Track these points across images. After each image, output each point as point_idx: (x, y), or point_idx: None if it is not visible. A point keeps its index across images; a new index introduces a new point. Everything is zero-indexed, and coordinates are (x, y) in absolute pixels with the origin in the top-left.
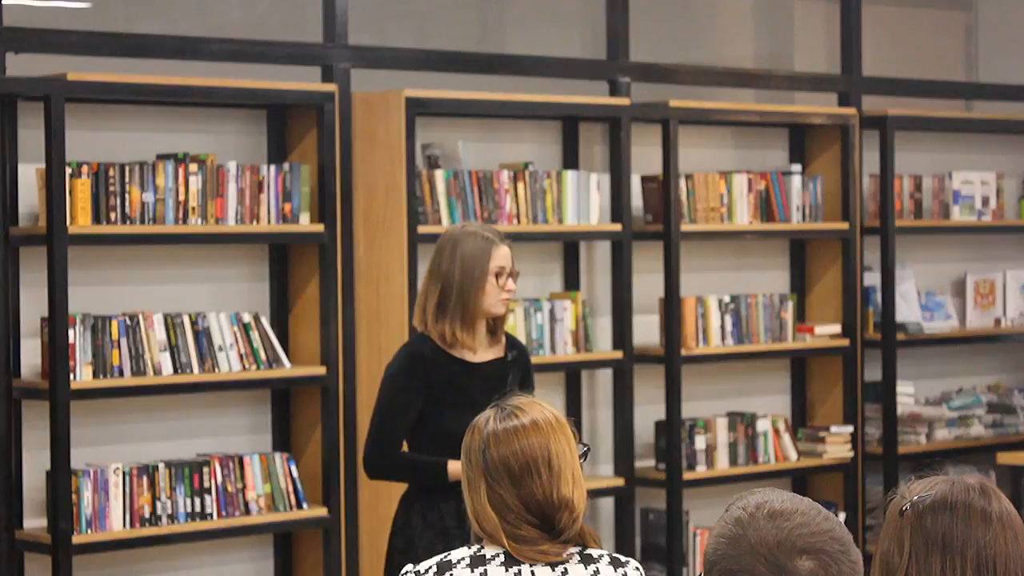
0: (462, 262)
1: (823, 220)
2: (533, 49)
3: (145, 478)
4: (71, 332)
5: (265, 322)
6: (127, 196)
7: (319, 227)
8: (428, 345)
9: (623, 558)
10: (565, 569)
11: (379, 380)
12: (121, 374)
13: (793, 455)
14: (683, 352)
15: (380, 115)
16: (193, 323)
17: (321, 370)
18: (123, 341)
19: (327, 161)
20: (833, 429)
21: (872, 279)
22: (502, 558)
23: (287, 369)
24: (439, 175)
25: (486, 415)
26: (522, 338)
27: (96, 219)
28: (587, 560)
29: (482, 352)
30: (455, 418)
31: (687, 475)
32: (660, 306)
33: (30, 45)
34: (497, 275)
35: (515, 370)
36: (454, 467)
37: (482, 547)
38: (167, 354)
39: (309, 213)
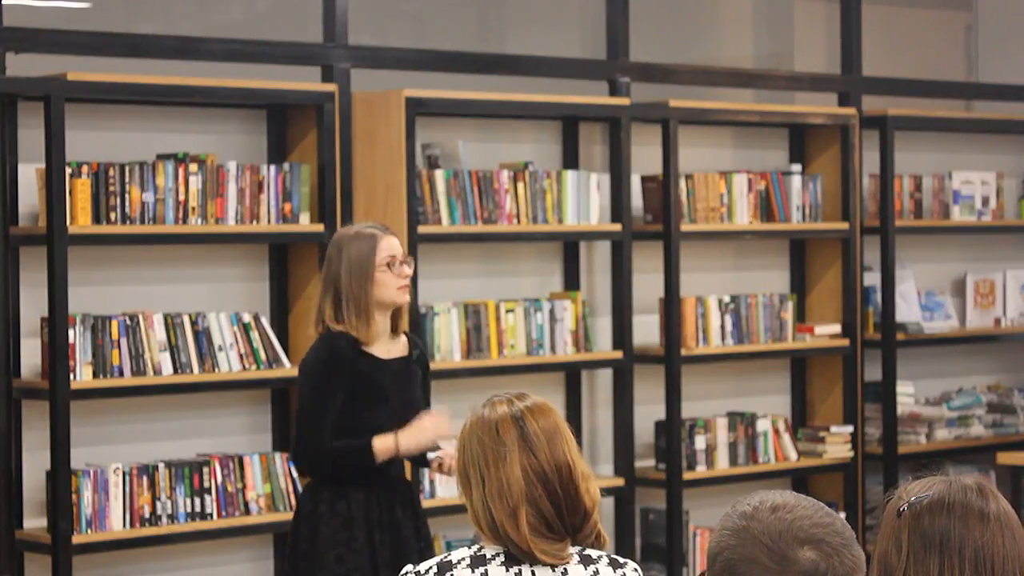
0: (349, 262)
1: (823, 220)
2: (533, 49)
3: (145, 478)
4: (71, 332)
5: (265, 322)
6: (127, 196)
7: (319, 227)
8: (342, 340)
9: (622, 559)
10: (565, 570)
11: None
12: (121, 374)
13: (793, 455)
14: (683, 352)
15: (380, 115)
16: (193, 323)
17: None
18: (123, 341)
19: (327, 161)
20: (833, 429)
21: (872, 279)
22: (502, 558)
23: (287, 369)
24: (439, 175)
25: (490, 404)
26: (522, 338)
27: (96, 219)
28: (587, 561)
29: (389, 349)
30: (371, 413)
31: (687, 475)
32: (660, 306)
33: (30, 45)
34: (389, 264)
35: (418, 368)
36: (380, 443)
37: (482, 547)
38: (167, 354)
39: (309, 213)
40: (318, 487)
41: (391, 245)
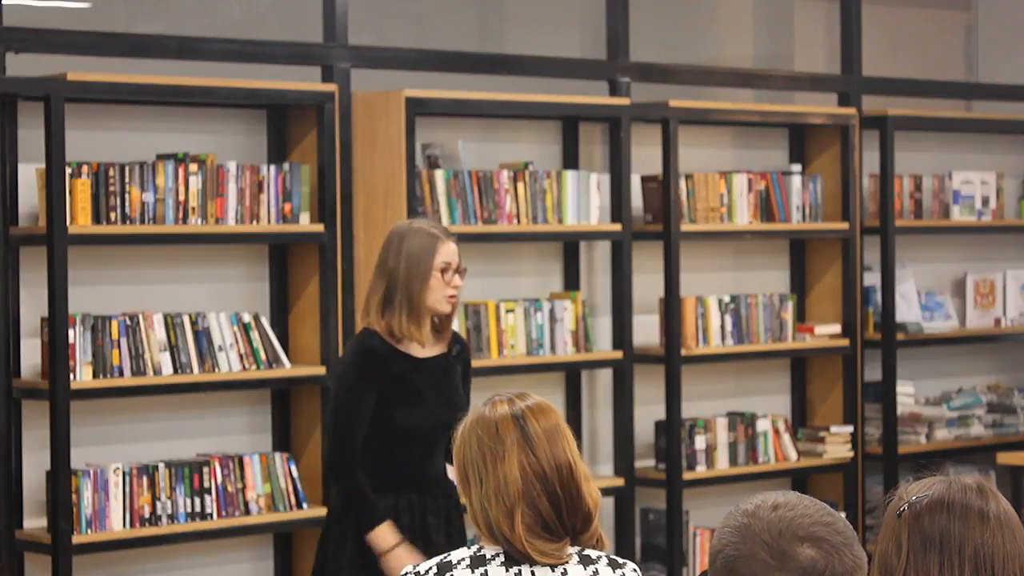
0: (407, 258)
1: (823, 220)
2: (533, 49)
3: (145, 478)
4: (71, 332)
5: (265, 322)
6: (127, 196)
7: (319, 227)
8: (376, 340)
9: (621, 560)
10: (564, 570)
11: None
12: (121, 374)
13: (793, 455)
14: (683, 352)
15: (380, 115)
16: (193, 323)
17: (321, 370)
18: (123, 341)
19: (327, 161)
20: (833, 429)
21: (872, 279)
22: (502, 558)
23: (287, 369)
24: (439, 175)
25: (490, 403)
26: (522, 338)
27: (96, 219)
28: (586, 561)
29: (428, 348)
30: (405, 413)
31: (687, 475)
32: (660, 306)
33: (30, 45)
34: (443, 271)
35: (458, 365)
36: (380, 531)
37: (482, 547)
38: (167, 354)
39: (309, 213)
40: None
41: (450, 251)
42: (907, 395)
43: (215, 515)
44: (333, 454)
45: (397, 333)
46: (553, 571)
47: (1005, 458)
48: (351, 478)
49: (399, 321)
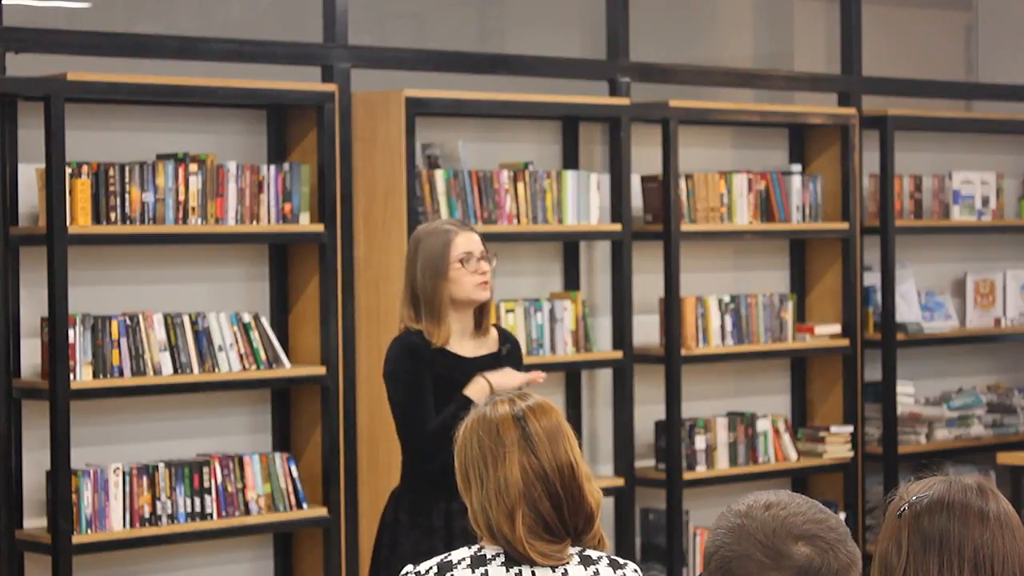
0: (424, 261)
1: (823, 220)
2: (533, 49)
3: (145, 478)
4: (71, 332)
5: (265, 322)
6: (127, 196)
7: (319, 227)
8: (419, 338)
9: (621, 560)
10: (565, 571)
11: (379, 380)
12: (121, 374)
13: (793, 455)
14: (683, 352)
15: (380, 115)
16: (193, 323)
17: (321, 370)
18: (123, 341)
19: (327, 161)
20: (833, 429)
21: (872, 279)
22: (503, 558)
23: (287, 369)
24: (439, 175)
25: (491, 403)
26: (522, 338)
27: (96, 219)
28: (587, 561)
29: (473, 347)
30: None
31: (687, 475)
32: (660, 306)
33: (30, 45)
34: (464, 261)
35: (509, 364)
36: (473, 391)
37: (482, 547)
38: (167, 354)
39: (309, 213)
40: (401, 495)
41: (467, 241)
42: (907, 395)
43: (215, 515)
44: (415, 450)
45: (431, 340)
46: (554, 571)
47: (1005, 458)
48: (432, 443)
49: (427, 327)
